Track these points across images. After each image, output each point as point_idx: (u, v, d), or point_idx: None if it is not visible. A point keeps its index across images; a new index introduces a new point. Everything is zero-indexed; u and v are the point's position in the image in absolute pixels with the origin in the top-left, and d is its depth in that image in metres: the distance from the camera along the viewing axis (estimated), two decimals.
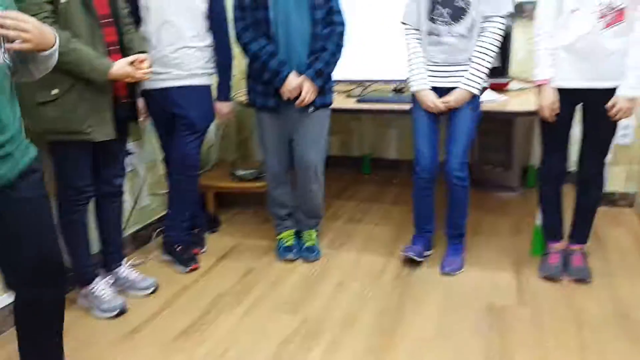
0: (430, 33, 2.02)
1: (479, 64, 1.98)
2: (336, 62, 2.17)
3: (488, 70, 2.01)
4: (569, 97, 1.94)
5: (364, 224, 2.76)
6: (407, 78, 2.15)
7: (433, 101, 2.06)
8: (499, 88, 2.61)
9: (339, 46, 2.15)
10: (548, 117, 1.96)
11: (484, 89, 2.13)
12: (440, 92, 2.07)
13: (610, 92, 1.87)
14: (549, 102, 1.94)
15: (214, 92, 2.33)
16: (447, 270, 2.18)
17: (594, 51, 1.84)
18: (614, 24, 1.80)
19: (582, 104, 1.99)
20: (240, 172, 2.78)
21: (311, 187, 2.31)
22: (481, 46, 1.97)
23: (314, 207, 2.39)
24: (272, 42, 2.08)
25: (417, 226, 2.31)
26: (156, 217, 2.61)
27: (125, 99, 1.87)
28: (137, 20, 2.07)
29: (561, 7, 1.88)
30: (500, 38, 1.99)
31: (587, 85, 1.90)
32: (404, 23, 2.11)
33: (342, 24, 2.15)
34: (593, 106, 1.94)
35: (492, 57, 1.99)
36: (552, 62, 1.92)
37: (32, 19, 1.13)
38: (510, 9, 2.01)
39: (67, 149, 1.78)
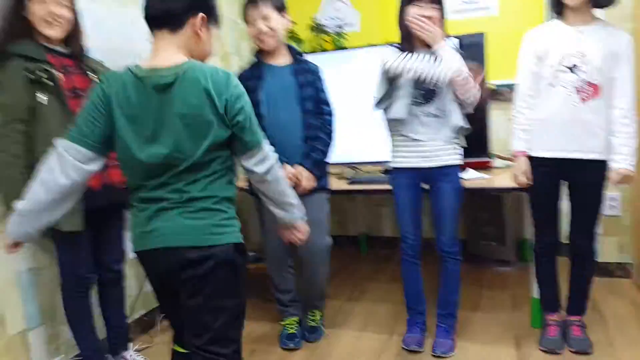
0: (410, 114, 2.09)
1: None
2: (330, 149, 2.30)
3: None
4: (551, 168, 2.02)
5: (364, 301, 2.77)
6: None
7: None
8: (481, 166, 2.71)
9: (330, 134, 2.28)
10: (523, 184, 2.07)
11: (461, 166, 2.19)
12: (422, 172, 2.12)
13: (591, 163, 1.95)
14: (522, 170, 2.07)
15: None
16: (438, 352, 2.14)
17: (573, 124, 1.94)
18: (590, 99, 1.91)
19: (566, 177, 2.06)
20: None
21: (317, 271, 2.34)
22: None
23: (319, 290, 2.41)
24: (266, 135, 2.21)
25: (410, 308, 2.29)
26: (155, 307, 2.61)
27: (119, 185, 1.89)
28: None
29: (538, 83, 2.01)
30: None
31: (568, 155, 1.97)
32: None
33: (330, 113, 2.29)
34: (576, 178, 2.02)
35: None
36: (527, 135, 2.05)
37: None
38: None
39: (65, 238, 1.80)
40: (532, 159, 2.07)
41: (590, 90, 1.92)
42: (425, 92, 2.07)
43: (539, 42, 2.01)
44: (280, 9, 2.18)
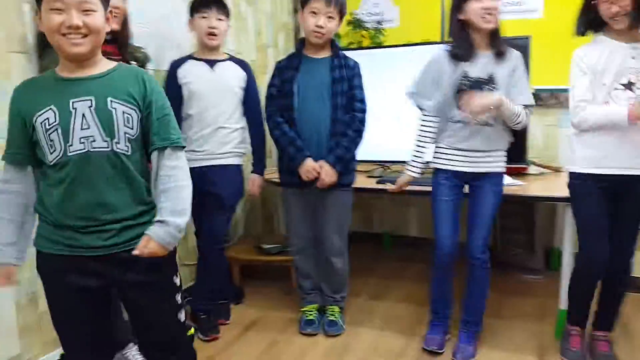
0: (459, 120, 2.06)
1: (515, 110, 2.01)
2: (357, 146, 2.29)
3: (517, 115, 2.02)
4: (600, 184, 1.95)
5: (386, 301, 2.76)
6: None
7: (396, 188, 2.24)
8: (517, 172, 2.69)
9: (359, 132, 2.27)
10: None
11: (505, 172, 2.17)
12: (466, 175, 2.10)
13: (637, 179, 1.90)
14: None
15: (247, 170, 2.46)
16: (459, 358, 2.12)
17: (627, 141, 1.89)
18: None
19: (615, 193, 1.97)
20: (266, 246, 2.86)
21: (334, 264, 2.38)
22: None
23: (337, 283, 2.44)
24: (295, 127, 2.23)
25: (435, 311, 2.28)
26: (185, 287, 2.66)
27: None
28: (180, 103, 2.26)
29: (593, 100, 1.94)
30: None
31: (620, 172, 1.91)
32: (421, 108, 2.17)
33: (362, 111, 2.28)
34: (624, 194, 1.96)
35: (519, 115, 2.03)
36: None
37: None
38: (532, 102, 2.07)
39: None
40: (585, 175, 1.99)
41: None
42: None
43: (590, 61, 1.94)
44: (343, 14, 2.24)
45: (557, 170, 2.82)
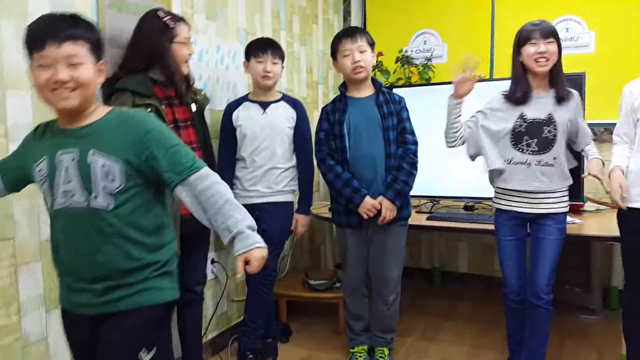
0: (518, 161, 2.07)
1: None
2: (413, 179, 2.29)
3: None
4: None
5: (438, 342, 2.70)
6: None
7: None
8: (574, 209, 2.62)
9: (413, 164, 2.28)
10: (618, 202, 1.91)
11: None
12: (528, 216, 2.08)
13: None
14: (615, 184, 1.91)
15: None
16: None
17: None
18: None
19: None
20: (313, 282, 2.85)
21: (388, 300, 2.36)
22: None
23: (389, 323, 2.40)
24: (348, 166, 2.26)
25: (511, 349, 2.24)
26: (233, 323, 2.70)
27: None
28: (235, 145, 2.35)
29: (636, 135, 1.95)
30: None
31: None
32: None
33: (414, 143, 2.30)
34: None
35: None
36: (625, 155, 1.98)
37: None
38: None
39: None
40: (629, 210, 1.94)
41: None
42: (542, 140, 2.03)
43: (637, 94, 1.94)
44: (373, 45, 2.30)
45: (612, 206, 2.72)
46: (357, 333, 2.45)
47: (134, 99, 1.79)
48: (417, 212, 2.91)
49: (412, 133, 2.32)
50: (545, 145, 2.02)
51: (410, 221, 2.59)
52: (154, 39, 1.84)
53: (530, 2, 3.22)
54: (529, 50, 1.98)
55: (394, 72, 3.51)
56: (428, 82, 3.36)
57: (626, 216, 1.97)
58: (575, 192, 2.66)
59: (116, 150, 1.24)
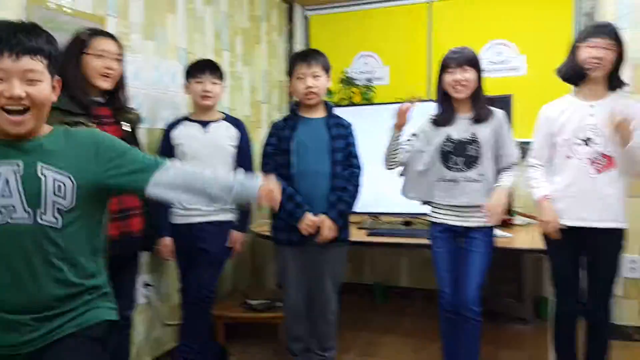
0: (448, 179, 2.17)
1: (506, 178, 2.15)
2: (355, 202, 2.35)
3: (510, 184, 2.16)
4: (570, 237, 2.04)
5: (377, 358, 2.73)
6: None
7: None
8: (504, 224, 2.73)
9: (357, 187, 2.34)
10: (552, 233, 2.05)
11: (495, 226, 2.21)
12: (459, 229, 2.18)
13: (608, 232, 1.98)
14: (550, 217, 2.05)
15: None
16: None
17: (589, 194, 1.99)
18: (605, 170, 1.98)
19: (584, 246, 2.06)
20: (253, 302, 2.79)
21: (328, 318, 2.38)
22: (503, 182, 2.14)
23: (328, 338, 2.42)
24: (293, 183, 2.28)
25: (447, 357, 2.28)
26: (167, 349, 2.62)
27: (137, 233, 1.96)
28: None
29: (554, 156, 2.09)
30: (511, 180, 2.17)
31: (586, 224, 2.00)
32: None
33: (359, 167, 2.36)
34: (593, 246, 2.04)
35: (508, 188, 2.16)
36: (547, 183, 2.10)
37: None
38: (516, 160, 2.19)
39: None
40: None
41: (605, 161, 1.98)
42: (467, 158, 2.14)
43: (553, 118, 2.09)
44: (328, 70, 2.35)
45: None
46: (296, 354, 2.44)
47: (64, 117, 1.75)
48: (358, 228, 2.97)
49: (358, 158, 2.38)
50: (471, 162, 2.13)
51: (352, 237, 2.65)
52: (65, 51, 1.79)
53: (464, 27, 3.39)
54: (446, 77, 2.12)
55: (337, 93, 3.60)
56: (369, 103, 3.46)
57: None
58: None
59: (69, 168, 1.18)
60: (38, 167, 1.15)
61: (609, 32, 1.96)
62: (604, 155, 1.98)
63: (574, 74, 2.05)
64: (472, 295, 2.11)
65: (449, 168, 2.17)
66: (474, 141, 2.13)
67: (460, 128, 2.15)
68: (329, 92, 3.54)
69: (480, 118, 2.13)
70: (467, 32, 3.36)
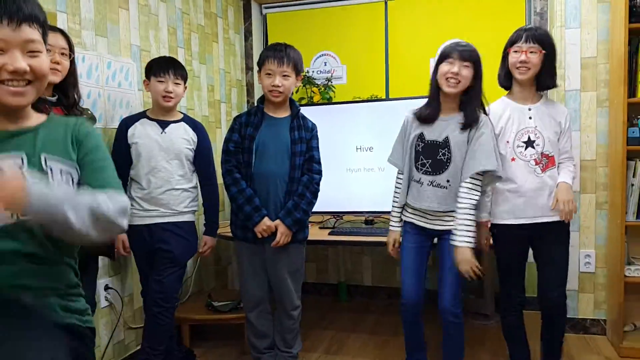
0: (415, 180, 2.10)
1: (463, 221, 1.97)
2: (312, 208, 2.33)
3: (472, 222, 1.98)
4: (520, 232, 2.12)
5: (342, 355, 2.73)
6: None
7: (391, 250, 2.23)
8: None
9: (315, 194, 2.31)
10: (484, 248, 2.18)
11: None
12: (427, 231, 2.14)
13: (555, 224, 2.08)
14: (485, 236, 2.18)
15: (200, 228, 2.44)
16: None
17: (537, 192, 2.09)
18: (548, 168, 2.10)
19: (533, 240, 2.15)
20: (217, 303, 2.78)
21: (291, 314, 2.36)
22: (462, 203, 1.98)
23: (293, 334, 2.40)
24: (252, 183, 2.26)
25: (408, 353, 2.29)
26: (131, 352, 2.56)
27: None
28: (128, 163, 2.26)
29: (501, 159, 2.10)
30: (476, 190, 1.99)
31: (535, 221, 2.10)
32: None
33: (319, 173, 2.33)
34: (543, 239, 2.12)
35: (471, 212, 1.98)
36: (490, 207, 2.16)
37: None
38: (492, 167, 1.97)
39: None
40: (500, 226, 2.15)
41: (546, 160, 2.10)
42: (435, 162, 2.06)
43: (494, 121, 2.12)
44: (299, 72, 2.30)
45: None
46: (261, 351, 2.42)
47: None
48: (320, 227, 2.96)
49: (319, 163, 2.34)
50: (439, 167, 2.04)
51: (314, 237, 2.64)
52: None
53: (420, 25, 3.43)
54: (443, 67, 1.98)
55: (296, 92, 3.58)
56: (329, 102, 3.46)
57: (498, 231, 2.17)
58: None
59: (66, 155, 1.09)
60: (42, 158, 1.06)
61: (533, 36, 2.04)
62: (544, 155, 2.10)
63: (505, 78, 2.16)
64: (450, 300, 2.06)
65: (417, 168, 2.09)
66: (445, 145, 2.03)
67: (436, 129, 2.05)
68: None
69: (467, 123, 1.99)
70: (423, 31, 3.41)
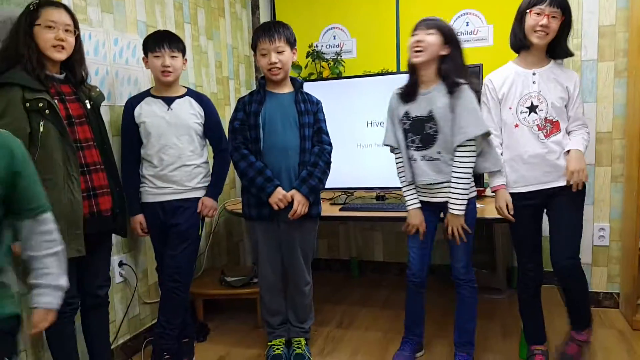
0: (408, 157, 2.14)
1: (457, 189, 2.04)
2: (326, 178, 2.33)
3: (466, 190, 2.05)
4: (531, 201, 2.08)
5: (354, 329, 2.76)
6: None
7: (417, 224, 2.16)
8: (477, 195, 2.74)
9: (328, 164, 2.32)
10: (507, 215, 2.10)
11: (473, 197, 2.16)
12: (433, 205, 2.15)
13: (564, 188, 2.03)
14: (505, 201, 2.10)
15: None
16: None
17: (542, 157, 2.04)
18: (552, 134, 2.04)
19: (545, 206, 2.11)
20: (230, 279, 2.82)
21: (302, 290, 2.39)
22: (455, 172, 2.03)
23: (305, 309, 2.43)
24: (262, 157, 2.24)
25: (407, 328, 2.34)
26: (146, 327, 2.61)
27: (107, 212, 1.95)
28: (139, 143, 2.27)
29: (503, 124, 2.11)
30: (469, 156, 2.02)
31: (544, 187, 2.06)
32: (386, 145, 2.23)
33: (330, 144, 2.34)
34: (555, 204, 2.07)
35: (466, 179, 2.03)
36: (504, 170, 2.11)
37: None
38: (480, 131, 1.99)
39: None
40: (511, 195, 2.11)
41: (550, 126, 2.05)
42: (424, 136, 2.07)
43: (498, 86, 2.11)
44: (293, 43, 2.28)
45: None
46: (274, 327, 2.45)
47: (24, 93, 1.70)
48: (331, 204, 2.95)
49: (328, 135, 2.36)
50: (428, 140, 2.07)
51: (325, 213, 2.63)
52: (16, 24, 1.77)
53: None
54: (409, 41, 2.02)
55: (305, 67, 3.53)
56: (339, 77, 3.41)
57: (513, 203, 2.11)
58: (476, 178, 2.80)
59: None
60: None
61: (556, 0, 1.96)
62: (548, 120, 2.04)
63: (519, 42, 2.07)
64: (462, 265, 2.14)
65: (408, 147, 2.13)
66: (430, 119, 2.04)
67: (419, 105, 2.07)
68: (298, 67, 3.48)
69: (450, 91, 2.00)
70: (436, 1, 3.33)
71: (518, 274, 2.22)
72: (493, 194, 2.80)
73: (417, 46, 1.99)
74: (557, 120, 2.04)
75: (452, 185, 2.04)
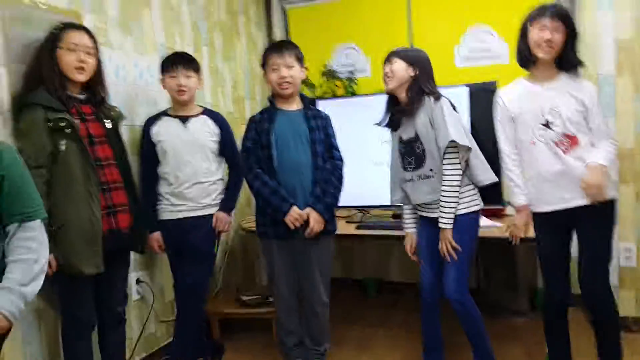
0: (408, 180, 2.20)
1: (444, 202, 2.06)
2: (340, 194, 2.34)
3: (454, 203, 2.05)
4: (554, 220, 2.02)
5: (372, 350, 2.70)
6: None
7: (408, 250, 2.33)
8: (495, 214, 2.72)
9: (341, 180, 2.32)
10: (518, 236, 2.09)
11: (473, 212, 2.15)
12: (434, 221, 2.14)
13: (589, 207, 1.93)
14: (523, 223, 2.08)
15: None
16: None
17: (562, 175, 1.96)
18: (571, 149, 1.95)
19: (573, 226, 2.04)
20: (246, 297, 2.80)
21: (317, 312, 2.35)
22: (443, 184, 2.06)
23: (320, 331, 2.39)
24: (275, 176, 2.24)
25: (425, 345, 2.30)
26: (162, 345, 2.59)
27: (125, 230, 1.97)
28: (156, 162, 2.30)
29: (520, 143, 2.06)
30: (453, 168, 2.04)
31: (567, 206, 1.97)
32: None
33: (341, 159, 2.35)
34: (581, 225, 2.00)
35: (452, 192, 2.05)
36: (525, 190, 2.06)
37: None
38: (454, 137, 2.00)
39: (68, 281, 1.83)
40: (535, 215, 2.07)
41: (568, 141, 1.96)
42: (416, 156, 2.14)
43: (511, 104, 2.07)
44: (301, 60, 2.32)
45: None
46: (290, 348, 2.42)
47: (46, 113, 1.76)
48: (347, 222, 2.93)
49: (339, 150, 2.37)
50: (419, 160, 2.13)
51: (341, 231, 2.61)
52: (40, 47, 1.83)
53: (444, 15, 3.36)
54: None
55: (320, 86, 3.54)
56: (353, 95, 3.41)
57: (534, 221, 2.09)
58: (495, 197, 2.76)
59: None
60: None
61: (558, 14, 1.95)
62: (565, 136, 1.96)
63: (525, 58, 2.03)
64: (451, 284, 2.10)
65: (405, 169, 2.19)
66: (417, 138, 2.11)
67: (407, 127, 2.16)
68: (312, 85, 3.50)
69: (410, 110, 2.11)
70: (448, 21, 3.33)
71: (545, 294, 2.15)
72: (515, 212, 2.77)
73: (385, 75, 2.16)
74: (575, 135, 1.96)
75: (440, 198, 2.07)
